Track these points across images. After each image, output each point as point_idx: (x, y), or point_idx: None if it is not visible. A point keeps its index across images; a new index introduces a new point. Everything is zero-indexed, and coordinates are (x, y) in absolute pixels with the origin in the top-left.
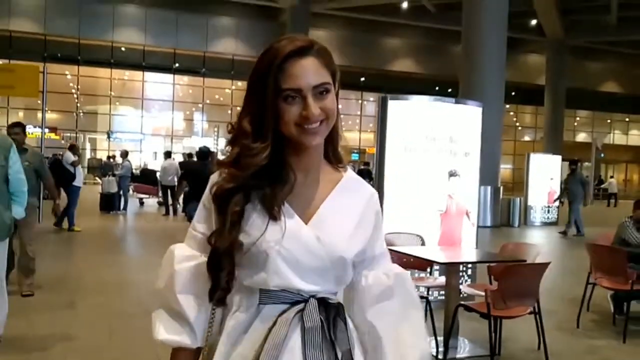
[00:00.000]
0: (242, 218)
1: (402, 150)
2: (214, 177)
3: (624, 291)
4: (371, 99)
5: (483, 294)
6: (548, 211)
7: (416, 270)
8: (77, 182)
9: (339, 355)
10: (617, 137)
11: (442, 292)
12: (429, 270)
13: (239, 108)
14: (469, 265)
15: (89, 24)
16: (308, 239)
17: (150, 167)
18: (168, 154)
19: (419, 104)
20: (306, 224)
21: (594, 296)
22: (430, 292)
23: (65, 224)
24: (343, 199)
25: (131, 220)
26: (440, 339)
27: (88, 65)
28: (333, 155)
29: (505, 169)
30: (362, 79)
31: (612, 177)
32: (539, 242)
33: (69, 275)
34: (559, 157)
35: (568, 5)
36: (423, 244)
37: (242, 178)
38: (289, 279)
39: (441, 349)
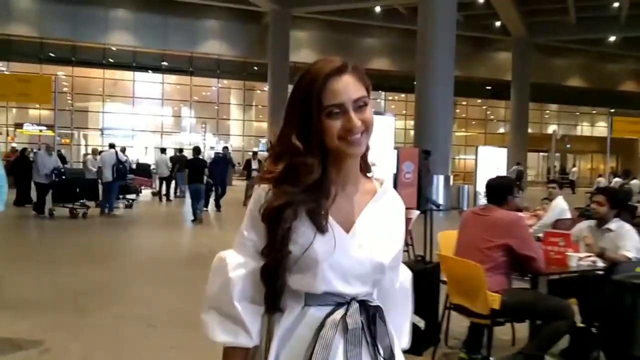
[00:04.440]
0: (291, 231)
1: None
2: (258, 193)
3: None
4: None
5: None
6: None
7: None
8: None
9: (381, 351)
10: (584, 129)
11: None
12: None
13: (224, 105)
14: None
15: (83, 28)
16: (352, 248)
17: (142, 161)
18: (163, 150)
19: None
20: (347, 232)
21: None
22: None
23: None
24: (379, 209)
25: (134, 206)
26: None
27: (81, 66)
28: (363, 164)
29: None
30: None
31: (574, 166)
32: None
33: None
34: (504, 150)
35: (527, 7)
36: None
37: (292, 194)
38: (335, 284)
39: None
